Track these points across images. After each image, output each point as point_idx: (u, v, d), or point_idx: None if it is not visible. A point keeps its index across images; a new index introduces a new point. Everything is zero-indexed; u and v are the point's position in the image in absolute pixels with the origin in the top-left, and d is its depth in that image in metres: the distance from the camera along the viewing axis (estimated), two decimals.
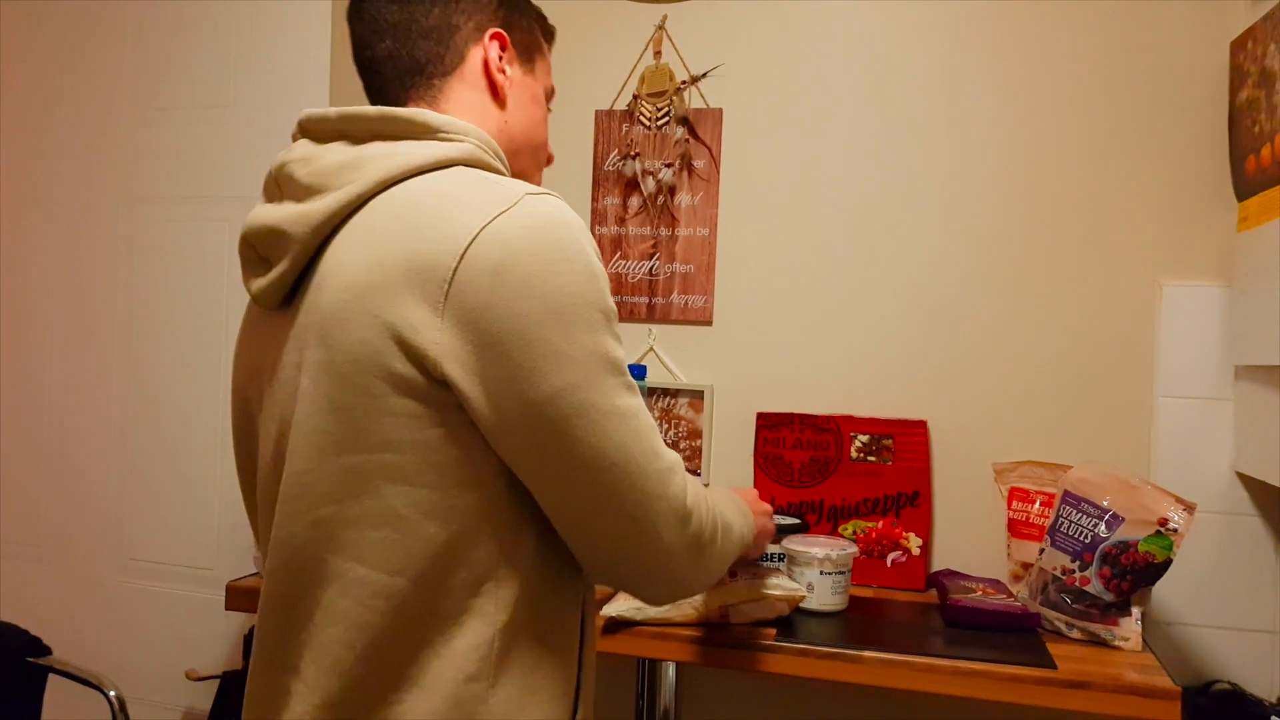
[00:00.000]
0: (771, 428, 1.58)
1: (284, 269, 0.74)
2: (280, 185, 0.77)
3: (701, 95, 1.65)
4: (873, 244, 1.58)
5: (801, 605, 1.26)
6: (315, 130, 0.77)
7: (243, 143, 1.79)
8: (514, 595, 0.70)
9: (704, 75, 1.65)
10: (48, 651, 1.51)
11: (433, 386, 0.66)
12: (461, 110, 0.82)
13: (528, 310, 0.66)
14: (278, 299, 0.76)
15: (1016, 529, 1.43)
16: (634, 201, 1.67)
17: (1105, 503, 1.26)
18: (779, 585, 1.22)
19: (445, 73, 0.82)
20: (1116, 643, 1.23)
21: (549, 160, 0.93)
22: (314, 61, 1.74)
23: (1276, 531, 1.40)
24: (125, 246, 1.86)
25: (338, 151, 0.74)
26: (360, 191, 0.71)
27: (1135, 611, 1.24)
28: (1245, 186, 1.36)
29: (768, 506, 1.08)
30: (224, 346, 1.79)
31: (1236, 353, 1.38)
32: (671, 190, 1.65)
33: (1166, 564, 1.23)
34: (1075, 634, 1.26)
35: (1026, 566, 1.40)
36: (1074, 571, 1.27)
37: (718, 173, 1.64)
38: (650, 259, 1.67)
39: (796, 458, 1.56)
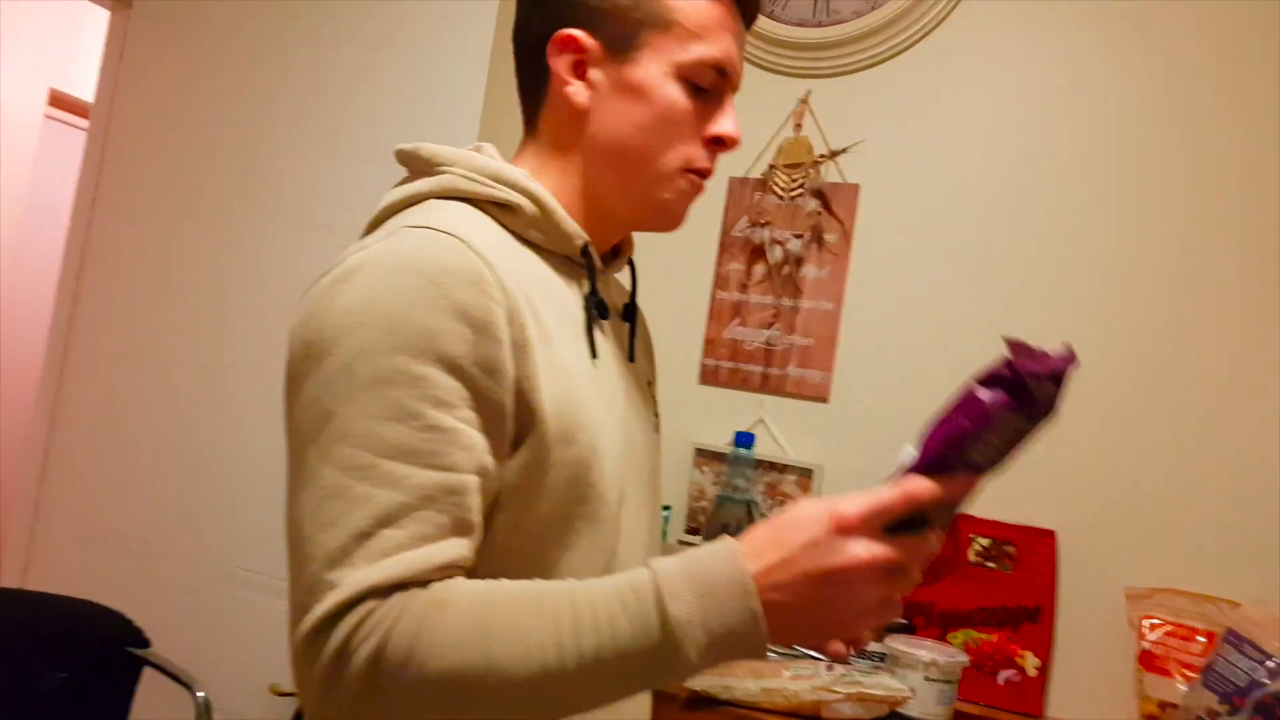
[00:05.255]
0: None
1: None
2: None
3: (839, 170, 1.63)
4: (1009, 335, 1.50)
5: (901, 709, 1.16)
6: None
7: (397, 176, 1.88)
8: None
9: (843, 150, 1.63)
10: (147, 644, 1.56)
11: None
12: (549, 147, 0.73)
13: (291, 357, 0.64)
14: None
15: (1151, 662, 1.28)
16: (758, 269, 1.65)
17: (1272, 648, 1.13)
18: (880, 684, 1.13)
19: (535, 104, 0.74)
20: None
21: (698, 169, 0.72)
22: (467, 103, 1.81)
23: None
24: (278, 270, 1.97)
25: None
26: (364, 230, 0.72)
27: None
28: None
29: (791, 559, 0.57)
30: None
31: None
32: (799, 261, 1.63)
33: None
34: None
35: (1164, 706, 1.26)
36: (1220, 715, 1.13)
37: (848, 248, 1.61)
38: (769, 328, 1.64)
39: None
